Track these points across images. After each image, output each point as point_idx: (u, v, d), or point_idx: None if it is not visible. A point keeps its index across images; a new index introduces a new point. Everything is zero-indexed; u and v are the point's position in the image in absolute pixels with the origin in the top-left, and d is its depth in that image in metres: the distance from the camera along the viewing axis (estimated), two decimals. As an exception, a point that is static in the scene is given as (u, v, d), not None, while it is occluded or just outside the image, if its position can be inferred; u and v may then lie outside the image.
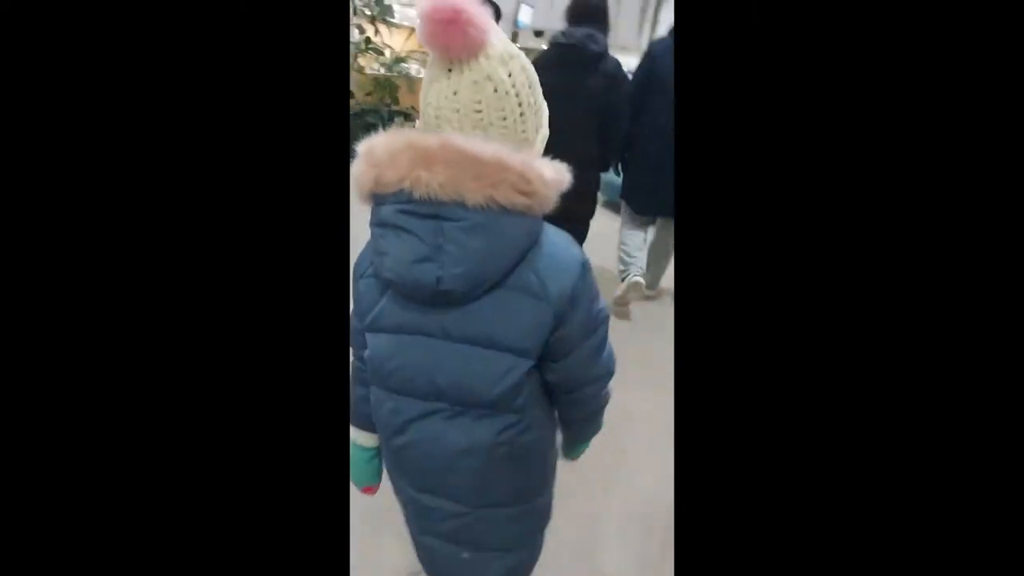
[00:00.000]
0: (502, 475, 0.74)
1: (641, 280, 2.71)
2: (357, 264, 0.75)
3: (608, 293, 3.14)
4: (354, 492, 0.83)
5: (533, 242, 0.65)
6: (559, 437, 0.86)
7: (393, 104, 6.17)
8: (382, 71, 6.24)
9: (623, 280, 2.74)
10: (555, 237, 0.68)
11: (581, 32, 2.08)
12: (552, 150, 0.69)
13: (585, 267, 0.68)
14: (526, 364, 0.67)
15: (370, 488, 0.94)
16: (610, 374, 0.78)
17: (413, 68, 7.04)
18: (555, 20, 2.55)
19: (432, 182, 0.58)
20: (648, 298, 3.11)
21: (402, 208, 0.62)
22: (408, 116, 6.10)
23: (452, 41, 0.59)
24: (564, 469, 0.90)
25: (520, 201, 0.60)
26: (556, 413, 0.81)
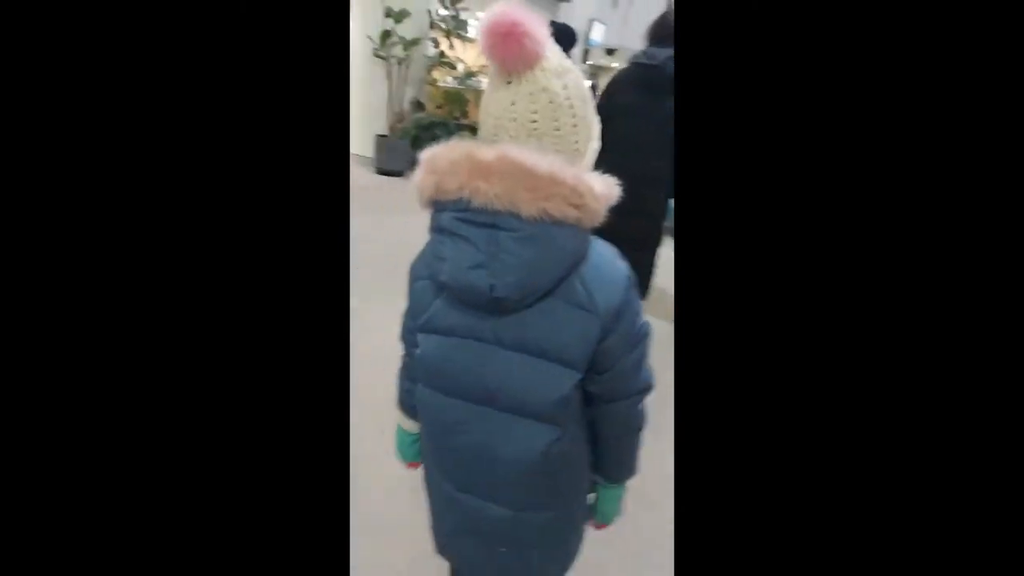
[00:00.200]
0: (546, 481, 0.76)
1: None
2: (413, 267, 0.80)
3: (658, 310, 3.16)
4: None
5: (582, 254, 0.68)
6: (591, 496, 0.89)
7: (462, 117, 6.44)
8: (454, 84, 6.53)
9: None
10: (602, 250, 0.71)
11: (663, 54, 2.07)
12: (624, 169, 0.73)
13: (631, 281, 0.71)
14: (575, 376, 0.70)
15: (414, 464, 0.99)
16: (649, 389, 0.79)
17: (484, 83, 7.26)
18: (628, 38, 2.60)
19: (489, 192, 0.62)
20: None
21: (460, 216, 0.66)
22: (475, 130, 6.29)
23: (509, 53, 0.63)
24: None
25: (571, 214, 0.63)
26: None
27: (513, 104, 0.66)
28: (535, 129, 0.66)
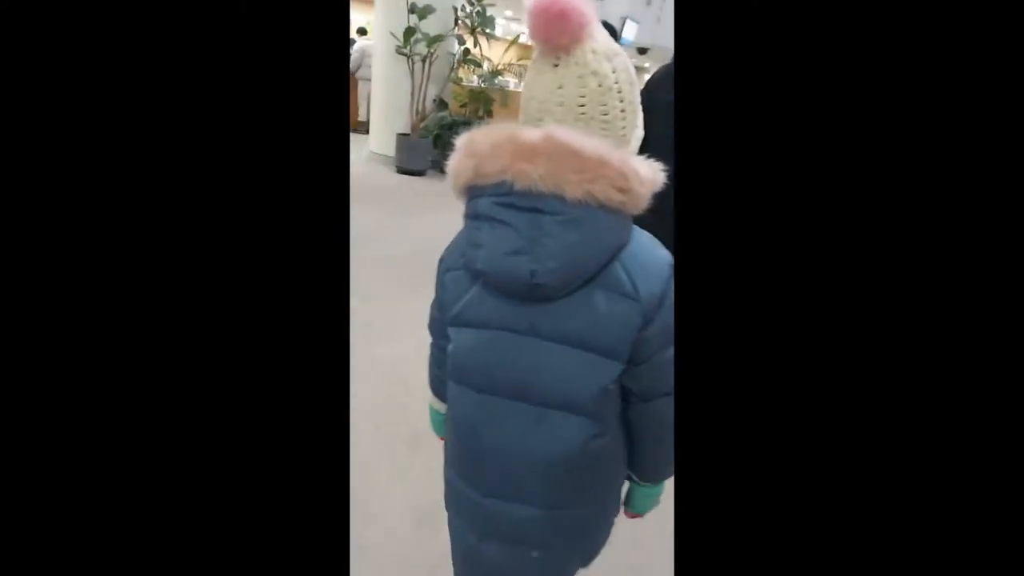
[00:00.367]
0: (582, 477, 0.75)
1: None
2: (443, 259, 0.78)
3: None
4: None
5: (625, 240, 0.67)
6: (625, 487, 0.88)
7: (487, 117, 6.40)
8: (480, 83, 6.50)
9: None
10: (642, 238, 0.70)
11: None
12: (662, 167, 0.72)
13: (672, 270, 0.69)
14: (617, 368, 0.69)
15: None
16: None
17: (511, 82, 7.23)
18: (661, 37, 2.54)
19: (533, 174, 0.61)
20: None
21: (499, 200, 0.65)
22: (500, 129, 6.27)
23: (556, 28, 0.62)
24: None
25: (617, 198, 0.62)
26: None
27: (560, 88, 0.65)
28: (583, 113, 0.65)
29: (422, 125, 5.78)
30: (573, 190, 0.61)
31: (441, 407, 0.95)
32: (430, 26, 5.26)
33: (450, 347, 0.76)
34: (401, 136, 5.78)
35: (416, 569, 1.46)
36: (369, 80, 6.45)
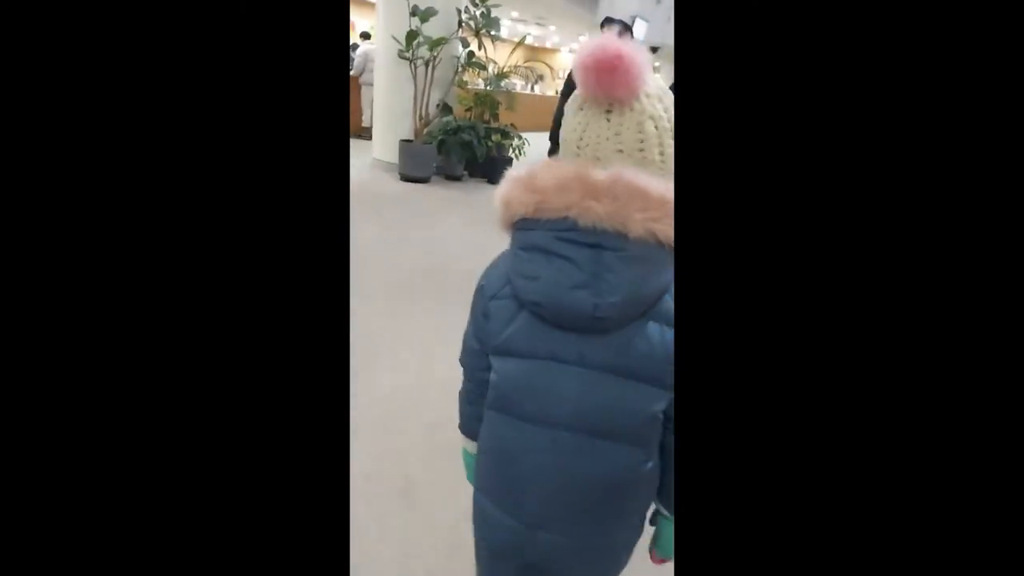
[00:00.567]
0: (619, 505, 0.77)
1: None
2: (486, 286, 0.80)
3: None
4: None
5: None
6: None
7: (492, 121, 6.35)
8: (485, 86, 6.46)
9: None
10: None
11: None
12: None
13: None
14: (664, 396, 0.71)
15: None
16: None
17: (518, 84, 7.18)
18: (671, 36, 2.49)
19: (600, 212, 0.65)
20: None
21: (561, 235, 0.68)
22: (506, 134, 6.25)
23: (615, 88, 0.66)
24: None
25: (673, 236, 0.64)
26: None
27: (618, 135, 0.69)
28: (643, 158, 0.69)
29: (426, 131, 5.74)
30: (636, 228, 0.64)
31: (474, 448, 0.93)
32: (433, 29, 5.23)
33: (493, 376, 0.79)
34: (404, 142, 5.74)
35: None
36: (372, 85, 6.43)
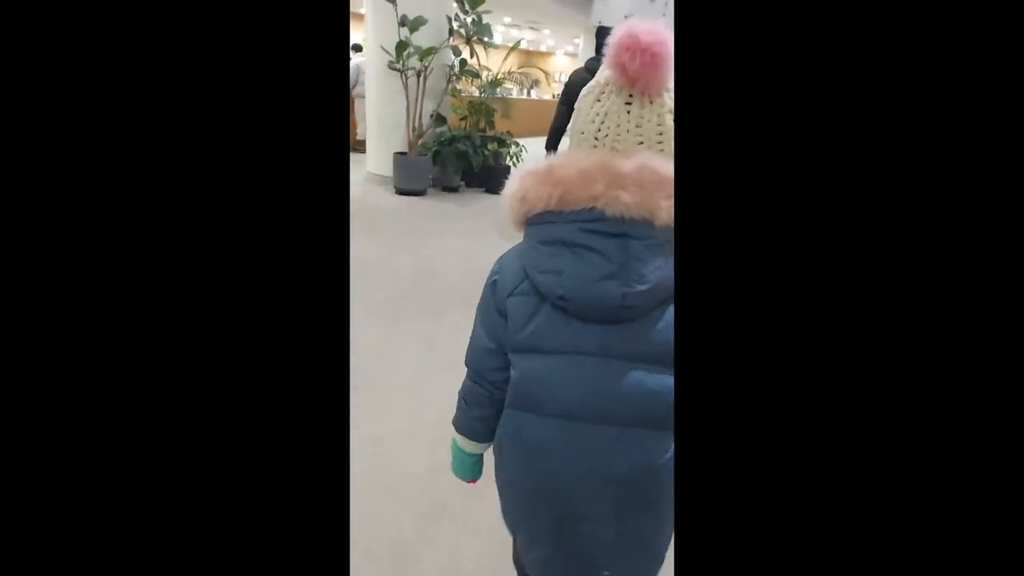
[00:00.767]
0: (649, 494, 0.77)
1: None
2: (500, 284, 0.80)
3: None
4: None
5: None
6: None
7: (488, 129, 6.35)
8: (480, 93, 6.46)
9: None
10: None
11: None
12: None
13: None
14: None
15: (473, 480, 1.02)
16: None
17: (514, 91, 7.18)
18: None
19: (628, 201, 0.66)
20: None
21: (586, 227, 0.69)
22: (502, 142, 6.25)
23: (655, 72, 0.68)
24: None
25: None
26: None
27: (639, 127, 0.71)
28: (661, 149, 0.71)
29: (420, 142, 5.74)
30: (663, 215, 0.66)
31: (475, 448, 0.95)
32: (423, 38, 5.24)
33: (513, 374, 0.79)
34: (398, 155, 5.73)
35: None
36: (365, 98, 6.45)
